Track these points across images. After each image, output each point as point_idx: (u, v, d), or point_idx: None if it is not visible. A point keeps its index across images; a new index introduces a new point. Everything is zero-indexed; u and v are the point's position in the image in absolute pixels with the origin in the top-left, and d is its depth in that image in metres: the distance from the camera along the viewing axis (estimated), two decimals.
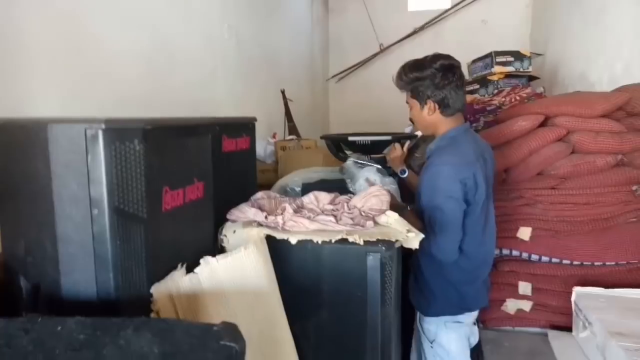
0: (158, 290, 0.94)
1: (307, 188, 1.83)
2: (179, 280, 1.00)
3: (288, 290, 1.16)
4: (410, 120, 2.50)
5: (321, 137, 2.40)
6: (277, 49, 3.75)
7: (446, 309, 1.64)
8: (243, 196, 1.45)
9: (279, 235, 1.20)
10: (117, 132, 0.85)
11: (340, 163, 2.31)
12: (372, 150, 2.14)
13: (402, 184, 1.97)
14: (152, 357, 0.61)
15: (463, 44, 3.96)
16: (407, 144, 2.11)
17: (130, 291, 0.89)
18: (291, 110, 3.64)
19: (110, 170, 0.84)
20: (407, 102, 1.67)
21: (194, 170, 1.10)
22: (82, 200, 0.85)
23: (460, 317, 1.65)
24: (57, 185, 0.87)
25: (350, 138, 2.16)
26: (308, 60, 4.70)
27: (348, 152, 2.28)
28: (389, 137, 2.08)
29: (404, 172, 1.96)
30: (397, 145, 2.00)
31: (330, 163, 2.44)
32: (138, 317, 0.72)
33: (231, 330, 0.69)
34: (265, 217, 1.25)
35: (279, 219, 1.24)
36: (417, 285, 1.69)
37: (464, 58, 1.67)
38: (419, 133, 2.44)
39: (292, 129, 3.59)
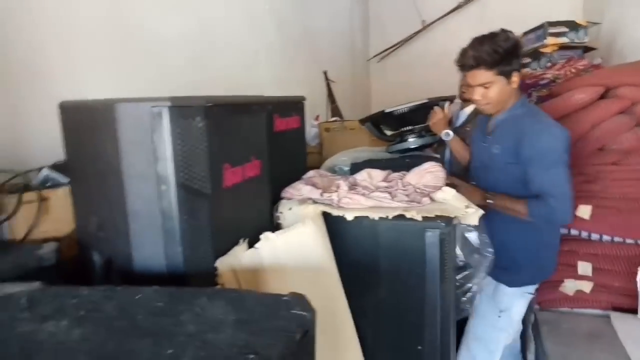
0: (222, 264, 0.96)
1: (355, 168, 1.81)
2: (241, 255, 1.02)
3: (344, 267, 1.16)
4: (462, 99, 2.41)
5: (360, 122, 2.31)
6: (317, 29, 3.70)
7: (531, 278, 1.67)
8: (295, 175, 1.45)
9: (335, 212, 1.20)
10: (181, 109, 0.87)
11: (386, 143, 2.26)
12: (413, 120, 2.05)
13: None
14: (227, 323, 0.63)
15: (511, 16, 3.76)
16: (447, 105, 2.01)
17: (197, 265, 0.92)
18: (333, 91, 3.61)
19: (175, 147, 0.86)
20: (477, 85, 1.55)
21: (251, 148, 1.11)
22: (150, 177, 0.87)
23: (533, 288, 1.69)
24: (126, 163, 0.90)
25: (387, 110, 2.07)
26: (348, 39, 4.62)
27: (389, 133, 2.18)
28: (425, 101, 1.98)
29: (448, 134, 1.90)
30: (437, 108, 1.93)
31: (376, 143, 2.40)
32: (210, 287, 0.74)
33: (301, 300, 0.70)
34: (321, 194, 1.25)
35: (334, 195, 1.24)
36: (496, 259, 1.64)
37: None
38: (460, 107, 2.35)
39: (335, 111, 3.57)
